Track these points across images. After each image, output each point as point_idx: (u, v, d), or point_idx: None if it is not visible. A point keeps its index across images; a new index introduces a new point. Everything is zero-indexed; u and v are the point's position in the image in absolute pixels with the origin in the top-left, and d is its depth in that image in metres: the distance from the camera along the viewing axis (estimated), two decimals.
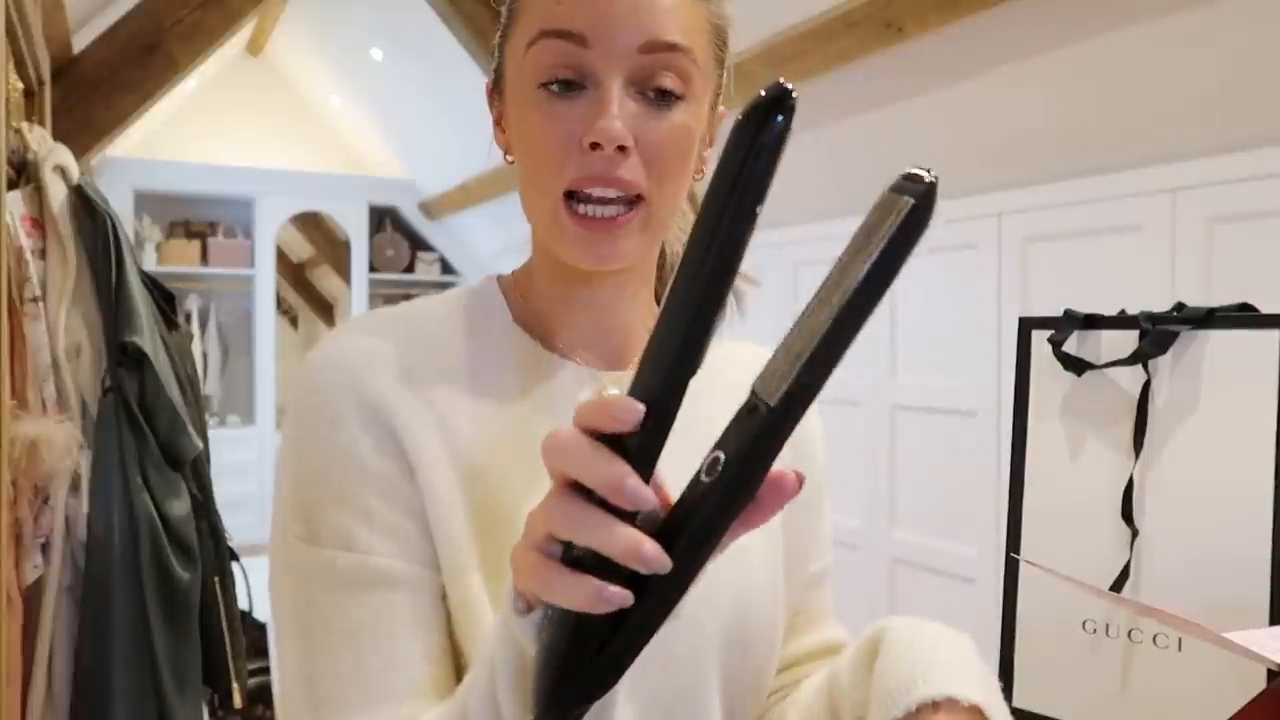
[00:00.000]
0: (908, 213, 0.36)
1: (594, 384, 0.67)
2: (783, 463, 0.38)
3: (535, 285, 0.69)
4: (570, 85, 0.59)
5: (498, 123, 0.68)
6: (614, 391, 0.39)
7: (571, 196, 0.60)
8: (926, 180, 0.36)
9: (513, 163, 0.67)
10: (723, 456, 0.38)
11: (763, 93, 0.37)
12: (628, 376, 0.66)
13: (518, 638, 0.45)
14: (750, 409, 0.38)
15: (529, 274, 0.70)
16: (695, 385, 0.72)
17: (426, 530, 0.59)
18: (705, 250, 0.37)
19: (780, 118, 0.37)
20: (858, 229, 0.36)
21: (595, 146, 0.58)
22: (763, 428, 0.37)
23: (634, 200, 0.60)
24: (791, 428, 0.37)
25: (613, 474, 0.38)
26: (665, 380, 0.38)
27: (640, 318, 0.71)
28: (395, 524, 0.58)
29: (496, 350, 0.66)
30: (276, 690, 2.13)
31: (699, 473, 0.39)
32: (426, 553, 0.59)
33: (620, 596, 0.38)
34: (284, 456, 0.61)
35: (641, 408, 0.38)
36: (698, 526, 0.39)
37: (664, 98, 0.60)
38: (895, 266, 0.36)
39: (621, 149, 0.58)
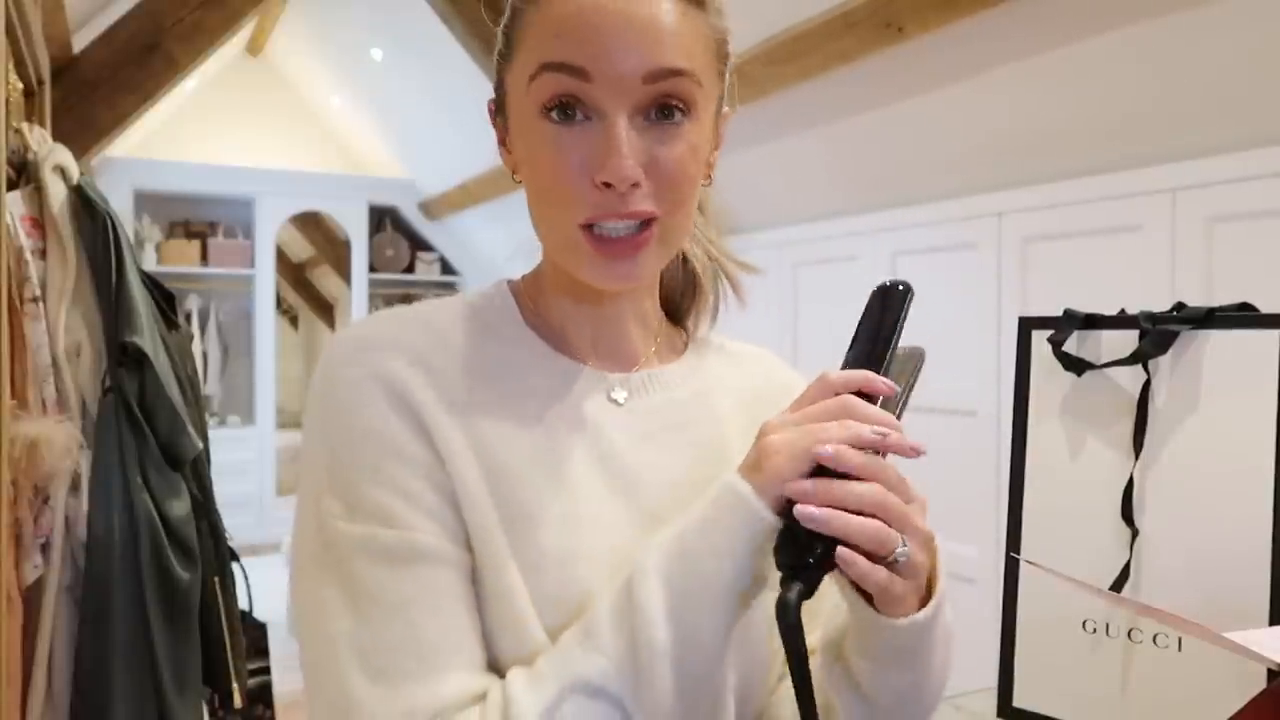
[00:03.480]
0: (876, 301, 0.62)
1: (604, 388, 0.68)
2: None
3: (544, 292, 0.70)
4: (573, 113, 0.59)
5: (502, 142, 0.68)
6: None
7: (587, 226, 0.61)
8: (895, 288, 0.62)
9: (520, 182, 0.67)
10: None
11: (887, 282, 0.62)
12: (634, 378, 0.67)
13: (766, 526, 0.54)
14: None
15: (538, 280, 0.71)
16: (699, 386, 0.73)
17: (460, 515, 0.59)
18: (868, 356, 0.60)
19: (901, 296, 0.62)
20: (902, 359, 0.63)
21: (608, 185, 0.59)
22: None
23: (648, 222, 0.61)
24: None
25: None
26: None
27: (645, 324, 0.72)
28: (433, 504, 0.59)
29: (511, 352, 0.66)
30: (277, 690, 2.13)
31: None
32: (462, 536, 0.59)
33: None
34: (311, 445, 0.61)
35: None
36: None
37: (670, 121, 0.60)
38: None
39: (634, 185, 0.59)
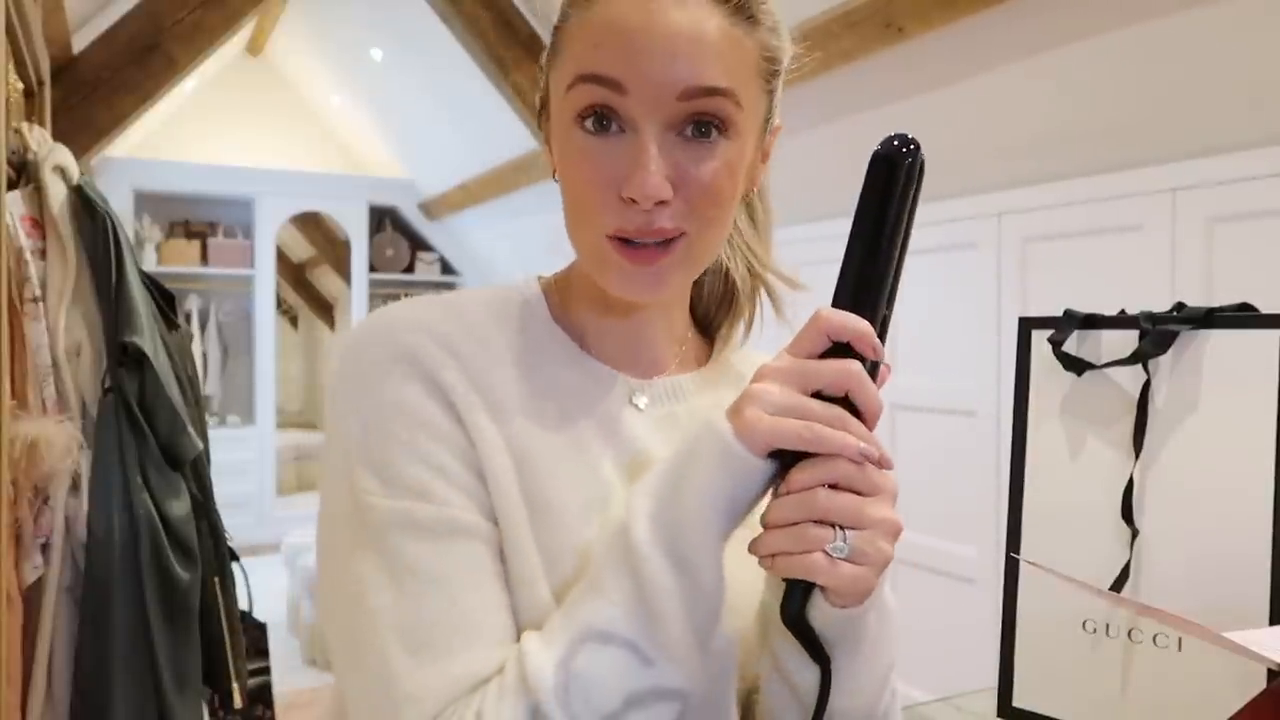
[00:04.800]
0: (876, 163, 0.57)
1: (626, 392, 0.68)
2: None
3: (573, 296, 0.70)
4: (608, 124, 0.59)
5: (547, 140, 0.68)
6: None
7: (614, 237, 0.61)
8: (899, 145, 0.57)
9: (558, 181, 0.67)
10: None
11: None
12: (657, 385, 0.67)
13: (760, 480, 0.54)
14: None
15: (569, 282, 0.71)
16: (724, 394, 0.72)
17: (489, 492, 0.60)
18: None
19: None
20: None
21: (634, 201, 0.58)
22: None
23: (676, 238, 0.61)
24: None
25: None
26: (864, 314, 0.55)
27: (671, 334, 0.72)
28: (465, 480, 0.59)
29: (538, 346, 0.67)
30: (277, 690, 2.13)
31: None
32: (491, 512, 0.59)
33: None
34: (339, 423, 0.61)
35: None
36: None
37: (706, 140, 0.60)
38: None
39: (661, 202, 0.59)
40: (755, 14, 0.61)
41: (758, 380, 0.55)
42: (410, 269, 6.42)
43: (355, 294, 6.02)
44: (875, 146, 0.56)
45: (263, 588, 2.09)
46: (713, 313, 0.78)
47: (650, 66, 0.57)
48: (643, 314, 0.69)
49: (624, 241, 0.60)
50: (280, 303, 6.53)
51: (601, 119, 0.59)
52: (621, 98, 0.58)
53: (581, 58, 0.59)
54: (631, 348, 0.70)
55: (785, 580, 0.56)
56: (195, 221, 6.01)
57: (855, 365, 0.54)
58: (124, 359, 1.56)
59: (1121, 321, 0.95)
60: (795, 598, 0.56)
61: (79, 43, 2.61)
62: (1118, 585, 0.90)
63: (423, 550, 0.57)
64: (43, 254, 1.55)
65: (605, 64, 0.58)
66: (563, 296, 0.70)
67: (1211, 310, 0.90)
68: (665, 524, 0.54)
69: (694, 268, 0.64)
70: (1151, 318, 0.93)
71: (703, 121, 0.59)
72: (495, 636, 0.56)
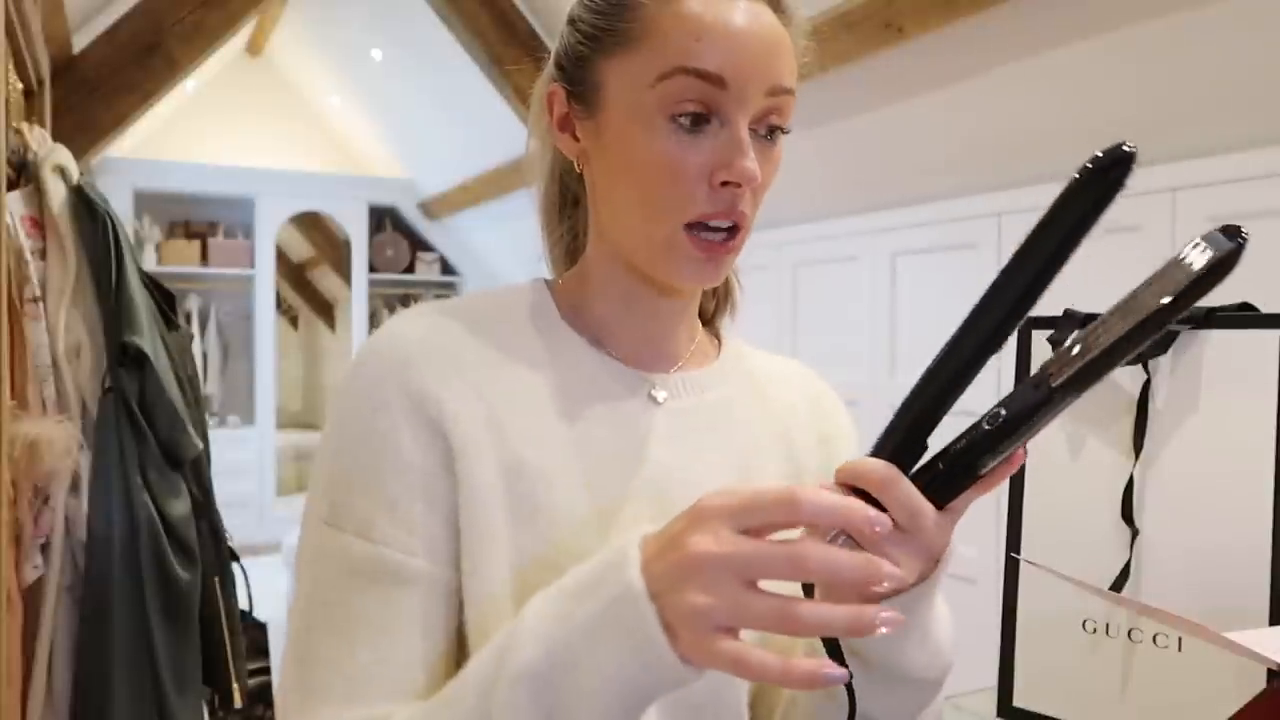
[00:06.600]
0: (1214, 263, 0.44)
1: (645, 386, 0.68)
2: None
3: (590, 294, 0.69)
4: (702, 118, 0.60)
5: (563, 128, 0.66)
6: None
7: (690, 226, 0.61)
8: (1240, 239, 0.45)
9: (580, 171, 0.67)
10: (1004, 413, 0.48)
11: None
12: (672, 379, 0.66)
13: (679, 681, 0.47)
14: (1037, 383, 0.47)
15: (581, 282, 0.70)
16: (733, 392, 0.72)
17: (453, 529, 0.59)
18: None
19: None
20: (1170, 260, 0.45)
21: (727, 184, 0.60)
22: (1042, 401, 0.47)
23: (734, 229, 0.63)
24: (1064, 407, 0.47)
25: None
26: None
27: (688, 329, 0.73)
28: (420, 518, 0.58)
29: (548, 346, 0.66)
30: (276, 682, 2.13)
31: (981, 420, 0.49)
32: (448, 552, 0.59)
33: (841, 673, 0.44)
34: (325, 438, 0.61)
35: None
36: (969, 459, 0.49)
37: (770, 138, 0.63)
38: (1191, 303, 0.44)
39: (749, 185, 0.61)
40: (792, 14, 0.64)
41: (690, 561, 0.46)
42: (410, 269, 6.42)
43: (355, 294, 6.02)
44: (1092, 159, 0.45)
45: (263, 588, 2.09)
46: (710, 305, 0.78)
47: (749, 64, 0.59)
48: (669, 309, 0.69)
49: (696, 236, 0.61)
50: (280, 303, 6.52)
51: (700, 118, 0.60)
52: (721, 92, 0.59)
53: (680, 51, 0.59)
54: (650, 344, 0.70)
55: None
56: (195, 221, 6.01)
57: (812, 548, 0.44)
58: (124, 359, 1.56)
59: None
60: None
61: (79, 43, 2.61)
62: (1118, 585, 0.90)
63: (344, 589, 0.57)
64: (43, 254, 1.55)
65: (709, 59, 0.59)
66: (574, 297, 0.70)
67: (1211, 310, 0.90)
68: (551, 699, 0.47)
69: (737, 257, 0.66)
70: None
71: (775, 120, 0.62)
72: (381, 692, 0.56)
